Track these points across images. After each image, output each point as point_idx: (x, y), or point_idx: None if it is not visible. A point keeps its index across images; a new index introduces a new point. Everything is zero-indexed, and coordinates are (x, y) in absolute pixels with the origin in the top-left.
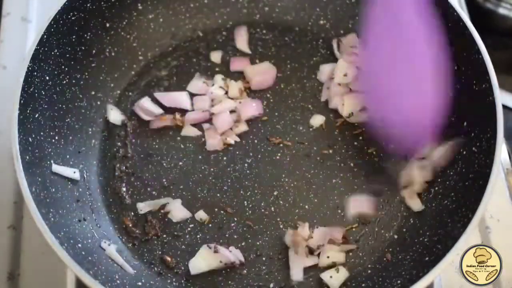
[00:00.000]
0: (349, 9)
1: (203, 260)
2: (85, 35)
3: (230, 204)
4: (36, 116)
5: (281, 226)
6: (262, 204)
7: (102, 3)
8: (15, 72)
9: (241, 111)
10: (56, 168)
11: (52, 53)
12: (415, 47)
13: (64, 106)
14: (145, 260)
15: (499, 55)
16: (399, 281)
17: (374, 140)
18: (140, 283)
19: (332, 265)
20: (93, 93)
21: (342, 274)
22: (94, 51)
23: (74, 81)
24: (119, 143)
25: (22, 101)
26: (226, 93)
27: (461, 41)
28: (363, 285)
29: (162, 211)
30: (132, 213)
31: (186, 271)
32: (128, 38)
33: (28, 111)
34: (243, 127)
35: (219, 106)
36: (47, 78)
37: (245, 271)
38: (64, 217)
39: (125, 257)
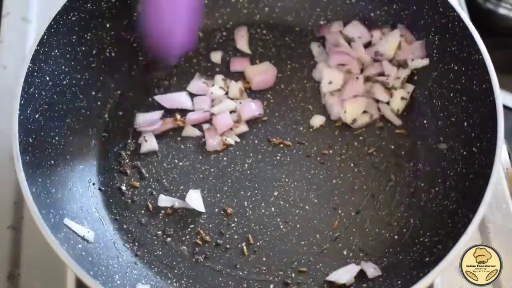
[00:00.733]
0: (349, 9)
1: None
2: (85, 35)
3: (230, 204)
4: (36, 116)
5: (281, 227)
6: (262, 204)
7: (102, 3)
8: (15, 72)
9: (241, 111)
10: (68, 222)
11: (52, 53)
12: None
13: (64, 106)
14: (145, 260)
15: (499, 55)
16: (399, 282)
17: (374, 140)
18: (140, 283)
19: None
20: (93, 93)
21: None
22: (94, 51)
23: (74, 81)
24: (119, 144)
25: (22, 101)
26: (226, 93)
27: (461, 41)
28: (363, 285)
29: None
30: (132, 214)
31: (186, 271)
32: (128, 38)
33: (28, 111)
34: (243, 128)
35: (219, 107)
36: (47, 78)
37: (245, 271)
38: (64, 217)
39: (125, 257)
